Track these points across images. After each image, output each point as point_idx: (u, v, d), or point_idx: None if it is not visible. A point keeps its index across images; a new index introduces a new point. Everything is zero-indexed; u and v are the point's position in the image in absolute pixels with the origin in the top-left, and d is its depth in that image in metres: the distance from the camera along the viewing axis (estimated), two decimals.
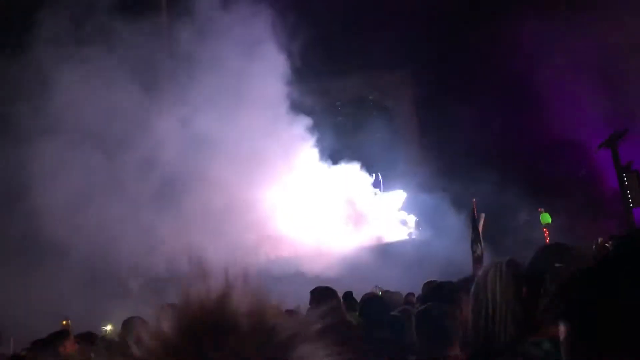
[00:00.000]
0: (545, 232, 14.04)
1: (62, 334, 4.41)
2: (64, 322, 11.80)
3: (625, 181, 16.01)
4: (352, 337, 4.05)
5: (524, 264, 2.20)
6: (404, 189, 23.00)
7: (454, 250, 16.78)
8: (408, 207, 22.80)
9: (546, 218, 14.25)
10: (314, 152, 21.09)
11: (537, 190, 18.22)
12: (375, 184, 23.25)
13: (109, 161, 17.33)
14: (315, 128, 21.40)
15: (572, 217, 18.43)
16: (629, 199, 15.59)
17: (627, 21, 16.61)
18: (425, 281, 11.27)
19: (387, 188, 23.24)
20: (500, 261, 2.17)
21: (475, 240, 7.25)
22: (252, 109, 19.03)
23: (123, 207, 17.12)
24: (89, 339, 4.94)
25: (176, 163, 17.79)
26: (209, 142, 18.35)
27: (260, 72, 19.13)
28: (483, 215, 9.45)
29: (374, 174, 23.16)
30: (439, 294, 3.49)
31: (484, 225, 9.65)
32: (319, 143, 21.42)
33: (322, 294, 4.42)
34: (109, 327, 10.84)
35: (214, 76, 18.60)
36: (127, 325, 5.15)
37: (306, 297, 8.80)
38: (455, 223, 17.08)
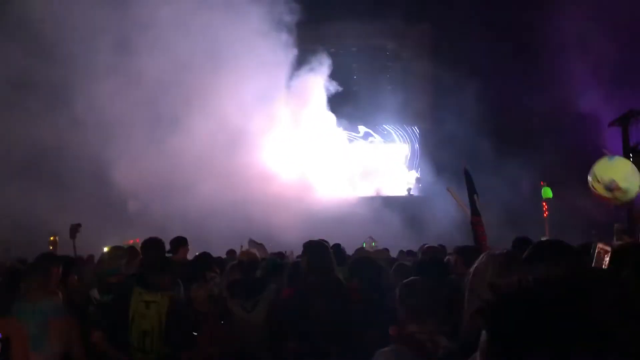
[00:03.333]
0: (544, 206, 13.99)
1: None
2: (52, 238, 11.83)
3: (631, 161, 15.87)
4: (342, 294, 4.11)
5: (519, 258, 2.19)
6: (410, 144, 22.98)
7: (452, 211, 16.89)
8: (411, 162, 22.83)
9: (547, 192, 14.12)
10: (322, 97, 20.81)
11: (542, 162, 18.16)
12: (381, 135, 23.20)
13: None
14: (328, 72, 21.13)
15: (574, 192, 18.41)
16: None
17: None
18: (419, 240, 11.45)
19: (392, 140, 23.20)
20: (497, 253, 2.17)
21: (471, 201, 7.17)
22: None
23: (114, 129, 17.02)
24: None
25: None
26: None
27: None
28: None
29: (381, 126, 23.09)
30: (433, 266, 3.50)
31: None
32: (328, 88, 21.16)
33: (314, 248, 4.43)
34: (105, 249, 10.92)
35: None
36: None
37: (295, 240, 8.84)
38: (458, 183, 17.08)
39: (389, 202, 19.85)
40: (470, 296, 2.09)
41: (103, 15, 16.85)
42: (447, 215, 16.25)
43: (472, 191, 6.85)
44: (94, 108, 16.67)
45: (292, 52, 19.55)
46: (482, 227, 6.43)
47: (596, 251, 3.35)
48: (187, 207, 16.32)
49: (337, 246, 7.77)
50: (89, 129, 16.47)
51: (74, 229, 9.14)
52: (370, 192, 21.18)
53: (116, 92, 17.00)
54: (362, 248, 8.19)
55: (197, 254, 6.22)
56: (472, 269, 2.15)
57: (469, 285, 2.13)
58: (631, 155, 16.01)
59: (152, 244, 5.37)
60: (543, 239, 8.05)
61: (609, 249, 3.48)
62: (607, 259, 3.49)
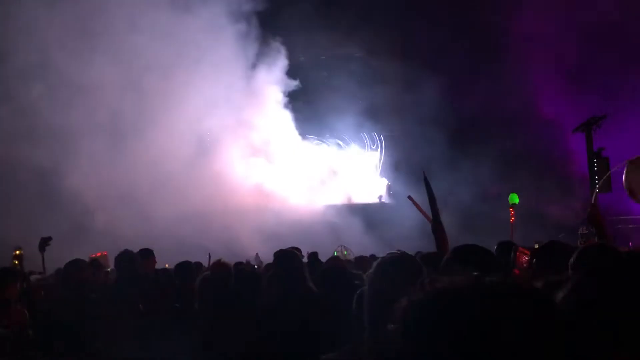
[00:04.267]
0: (511, 211, 14.22)
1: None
2: (17, 252, 11.40)
3: (595, 167, 16.24)
4: (312, 304, 4.06)
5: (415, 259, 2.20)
6: (381, 152, 23.09)
7: (423, 217, 16.91)
8: (381, 169, 22.93)
9: (514, 198, 14.41)
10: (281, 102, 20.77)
11: (510, 166, 18.45)
12: (351, 143, 23.26)
13: None
14: (298, 80, 21.13)
15: (540, 196, 18.76)
16: (596, 184, 15.85)
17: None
18: (388, 246, 11.43)
19: (362, 147, 23.28)
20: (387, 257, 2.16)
21: (433, 209, 7.30)
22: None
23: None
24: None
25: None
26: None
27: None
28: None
29: (351, 133, 23.16)
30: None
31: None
32: (301, 96, 21.17)
33: (285, 257, 4.38)
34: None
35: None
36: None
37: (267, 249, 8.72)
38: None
39: (360, 210, 19.87)
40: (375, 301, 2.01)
41: (53, 22, 16.34)
42: (419, 221, 16.31)
43: (432, 198, 6.98)
44: (43, 117, 16.08)
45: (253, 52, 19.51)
46: (444, 234, 6.51)
47: (516, 254, 3.39)
48: (148, 218, 15.92)
49: (313, 255, 7.73)
50: (40, 140, 15.89)
51: (44, 242, 8.81)
52: (341, 199, 21.18)
53: (69, 100, 16.49)
54: (335, 257, 8.14)
55: (176, 264, 6.09)
56: (369, 273, 2.12)
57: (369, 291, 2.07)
58: (595, 160, 16.38)
59: (126, 257, 5.23)
60: (536, 246, 8.19)
61: (527, 252, 3.55)
62: (525, 261, 3.54)
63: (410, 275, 2.01)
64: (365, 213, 19.45)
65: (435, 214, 7.08)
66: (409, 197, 10.05)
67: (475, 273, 0.97)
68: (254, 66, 19.91)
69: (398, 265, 2.11)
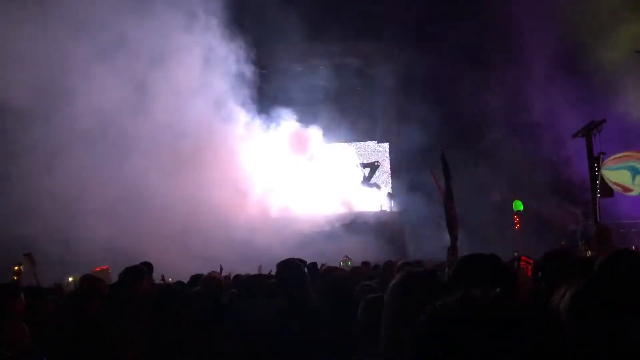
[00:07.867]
0: (515, 219, 14.20)
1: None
2: (16, 268, 11.37)
3: (595, 171, 16.20)
4: (315, 316, 4.03)
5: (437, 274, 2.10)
6: (380, 160, 23.08)
7: (425, 225, 16.96)
8: (383, 178, 22.91)
9: (518, 205, 14.43)
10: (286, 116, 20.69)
11: (510, 171, 18.43)
12: (352, 153, 23.26)
13: None
14: (296, 90, 21.11)
15: (540, 201, 18.72)
16: (597, 189, 15.80)
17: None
18: (390, 255, 11.39)
19: (362, 158, 23.28)
20: (417, 270, 2.07)
21: (447, 184, 7.21)
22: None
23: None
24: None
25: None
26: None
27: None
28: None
29: (350, 143, 23.16)
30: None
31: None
32: (298, 105, 21.16)
33: (288, 268, 4.35)
34: (71, 279, 10.55)
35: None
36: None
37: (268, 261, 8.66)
38: (429, 198, 17.15)
39: (362, 219, 19.78)
40: (392, 318, 1.92)
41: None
42: (421, 230, 16.28)
43: (447, 175, 6.99)
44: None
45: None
46: (454, 212, 6.56)
47: (519, 264, 3.29)
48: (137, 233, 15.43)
49: (312, 265, 7.69)
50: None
51: (32, 258, 8.91)
52: (342, 209, 21.08)
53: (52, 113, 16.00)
54: (335, 267, 8.08)
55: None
56: (390, 286, 2.03)
57: (387, 307, 1.96)
58: (595, 165, 16.36)
59: (131, 273, 5.18)
60: (515, 254, 8.17)
61: (531, 261, 3.45)
62: (529, 272, 3.44)
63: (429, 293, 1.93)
64: (366, 222, 19.37)
65: (449, 191, 7.07)
66: (432, 172, 9.85)
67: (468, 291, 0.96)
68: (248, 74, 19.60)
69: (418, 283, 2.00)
